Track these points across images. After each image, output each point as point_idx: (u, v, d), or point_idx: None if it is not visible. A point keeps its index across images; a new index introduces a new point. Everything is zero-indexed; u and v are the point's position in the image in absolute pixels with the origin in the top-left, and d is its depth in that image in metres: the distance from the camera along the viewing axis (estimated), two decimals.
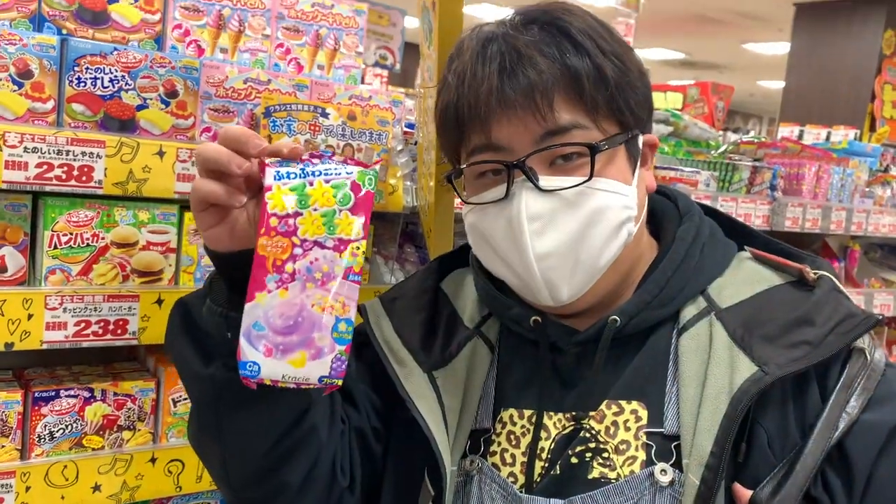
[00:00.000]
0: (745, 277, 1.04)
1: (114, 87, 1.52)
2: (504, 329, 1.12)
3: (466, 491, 1.05)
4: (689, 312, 1.01)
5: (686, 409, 0.93)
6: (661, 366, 0.99)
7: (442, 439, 1.03)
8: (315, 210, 0.91)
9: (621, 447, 0.95)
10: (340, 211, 0.91)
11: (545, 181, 0.95)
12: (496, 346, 1.11)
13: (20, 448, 1.53)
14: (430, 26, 1.61)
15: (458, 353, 1.09)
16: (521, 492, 0.99)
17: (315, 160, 0.94)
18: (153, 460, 1.64)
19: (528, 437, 1.01)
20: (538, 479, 0.99)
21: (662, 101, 5.24)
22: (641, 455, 0.94)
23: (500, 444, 1.04)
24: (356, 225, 0.91)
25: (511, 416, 1.04)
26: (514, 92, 0.93)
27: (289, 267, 0.90)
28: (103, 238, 1.55)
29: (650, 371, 0.99)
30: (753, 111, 19.30)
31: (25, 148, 1.41)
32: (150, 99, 1.57)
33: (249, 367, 0.91)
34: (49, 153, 1.44)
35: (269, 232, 0.91)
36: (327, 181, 0.92)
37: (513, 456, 1.03)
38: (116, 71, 1.52)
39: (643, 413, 0.96)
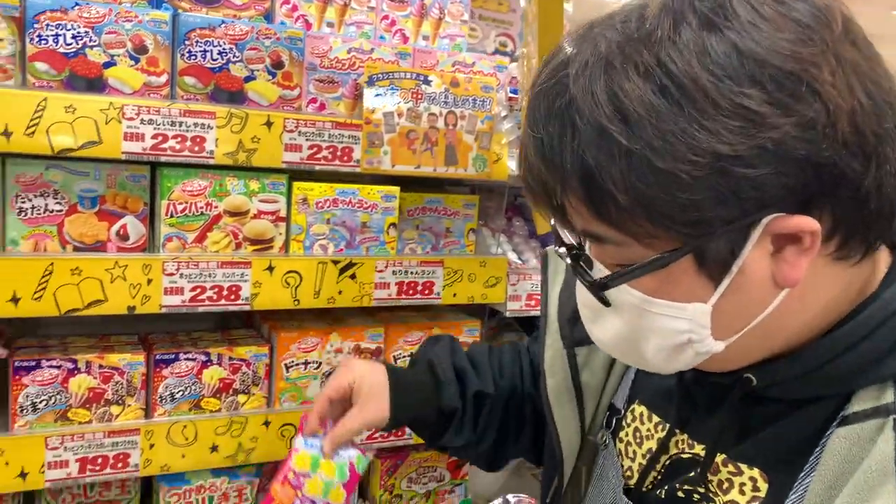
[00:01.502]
0: None
1: (222, 59, 1.57)
2: None
3: (595, 462, 1.03)
4: (861, 402, 0.76)
5: None
6: (805, 446, 0.79)
7: (562, 419, 1.03)
8: (320, 477, 1.22)
9: None
10: (336, 483, 1.22)
11: (590, 274, 0.79)
12: None
13: (144, 408, 1.61)
14: None
15: None
16: (631, 487, 0.96)
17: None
18: (267, 423, 1.69)
19: (652, 443, 0.96)
20: (645, 489, 0.95)
21: None
22: None
23: (627, 433, 1.00)
24: (344, 496, 1.22)
25: (641, 414, 0.99)
26: (534, 185, 0.78)
27: None
28: (216, 207, 1.60)
29: (788, 447, 0.81)
30: None
31: (142, 120, 1.48)
32: (258, 70, 1.61)
33: None
34: (163, 125, 1.50)
35: (284, 482, 1.24)
36: (333, 458, 1.23)
37: (635, 452, 0.99)
38: (224, 43, 1.57)
39: (763, 485, 0.82)
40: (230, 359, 1.67)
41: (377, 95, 1.69)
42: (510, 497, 2.14)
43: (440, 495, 1.98)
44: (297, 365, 1.73)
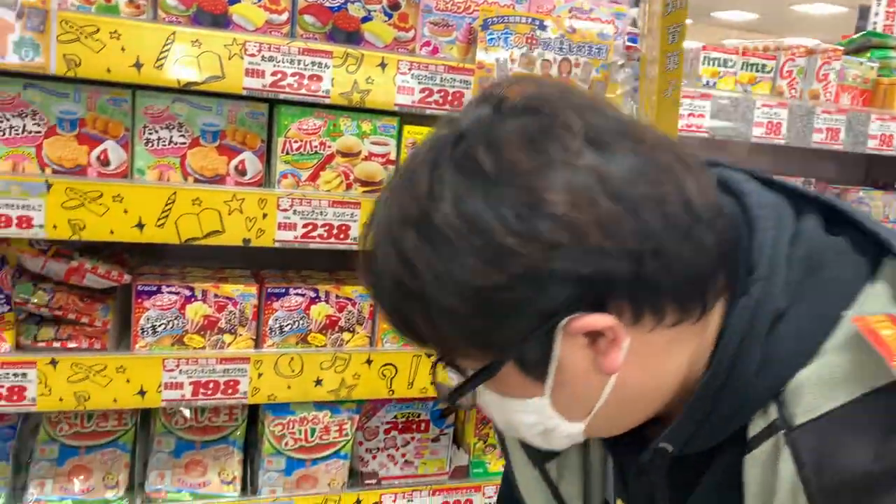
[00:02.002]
0: (840, 367, 0.73)
1: None
2: None
3: None
4: (756, 426, 0.76)
5: None
6: (735, 482, 0.79)
7: None
8: None
9: None
10: None
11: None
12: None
13: (255, 338, 1.67)
14: None
15: None
16: None
17: None
18: (369, 362, 1.72)
19: None
20: None
21: None
22: None
23: None
24: None
25: None
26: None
27: None
28: (330, 147, 1.63)
29: (721, 497, 0.81)
30: None
31: (263, 57, 1.52)
32: (374, 11, 1.62)
33: None
34: (283, 62, 1.53)
35: None
36: None
37: None
38: None
39: None
40: (337, 297, 1.70)
41: (491, 39, 1.67)
42: None
43: None
44: None
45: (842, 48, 2.19)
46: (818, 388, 0.73)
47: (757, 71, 1.93)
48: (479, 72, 1.68)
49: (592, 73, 1.76)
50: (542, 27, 1.70)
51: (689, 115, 1.84)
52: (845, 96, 2.07)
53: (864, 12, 4.27)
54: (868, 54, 2.55)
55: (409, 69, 1.63)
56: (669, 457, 0.82)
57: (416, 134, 1.69)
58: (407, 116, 1.70)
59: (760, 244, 0.76)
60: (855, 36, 2.67)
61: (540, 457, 0.98)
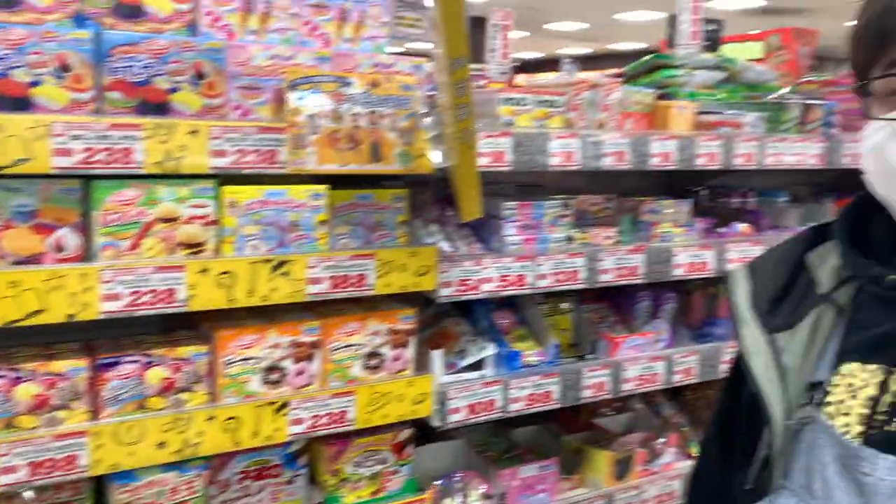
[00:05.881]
0: None
1: (146, 73, 1.64)
2: (860, 293, 1.13)
3: (798, 439, 1.08)
4: None
5: None
6: None
7: (773, 392, 1.08)
8: None
9: None
10: None
11: None
12: (845, 310, 1.13)
13: (92, 410, 1.68)
14: None
15: (805, 317, 1.13)
16: (852, 442, 1.01)
17: None
18: (211, 419, 1.77)
19: (869, 390, 1.02)
20: (874, 432, 1.00)
21: (742, 52, 5.05)
22: None
23: (836, 395, 1.06)
24: None
25: (852, 370, 1.05)
26: None
27: None
28: (149, 214, 1.67)
29: None
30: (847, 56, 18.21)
31: (70, 136, 1.55)
32: (181, 82, 1.68)
33: None
34: (92, 139, 1.57)
35: None
36: None
37: (849, 407, 1.04)
38: (147, 58, 1.63)
39: None
40: (172, 359, 1.74)
41: (300, 99, 1.77)
42: (455, 475, 2.25)
43: (385, 476, 2.08)
44: (237, 362, 1.81)
45: (620, 79, 2.44)
46: None
47: (549, 107, 2.13)
48: (290, 129, 1.77)
49: (400, 122, 1.90)
50: (347, 84, 1.82)
51: (492, 151, 2.01)
52: (629, 121, 2.32)
53: (672, 20, 4.70)
54: (657, 74, 2.85)
55: (222, 133, 1.70)
56: None
57: (235, 193, 1.76)
58: (225, 177, 1.76)
59: None
60: (644, 59, 2.96)
61: (772, 327, 1.11)
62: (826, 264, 1.16)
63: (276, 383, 1.86)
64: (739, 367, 1.18)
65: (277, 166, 1.78)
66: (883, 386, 1.01)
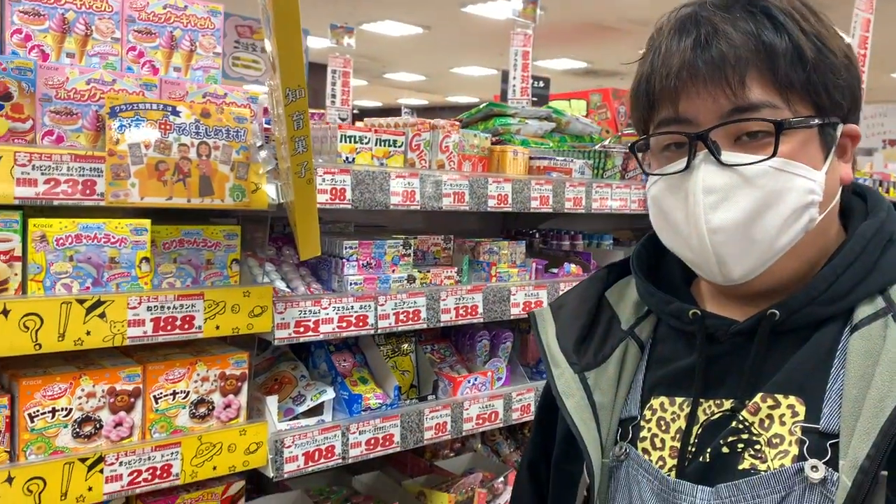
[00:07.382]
0: None
1: None
2: (659, 326, 1.16)
3: (615, 476, 1.08)
4: (864, 311, 0.97)
5: (848, 410, 0.91)
6: (824, 363, 0.96)
7: (587, 432, 1.07)
8: None
9: (774, 440, 0.95)
10: None
11: (727, 156, 0.96)
12: (646, 344, 1.15)
13: None
14: (269, 19, 1.61)
15: (612, 354, 1.14)
16: (668, 475, 1.01)
17: None
18: (10, 480, 1.56)
19: (679, 423, 1.03)
20: (686, 465, 1.01)
21: (567, 109, 5.36)
22: (794, 450, 0.93)
23: (649, 429, 1.07)
24: None
25: (662, 404, 1.07)
26: (706, 65, 0.94)
27: None
28: None
29: (812, 367, 0.97)
30: None
31: None
32: None
33: None
34: None
35: None
36: None
37: (662, 441, 1.05)
38: None
39: (800, 409, 0.95)
40: None
41: (121, 127, 1.65)
42: None
43: None
44: (43, 414, 1.62)
45: (459, 122, 2.49)
46: None
47: (389, 146, 2.12)
48: (110, 158, 1.64)
49: (233, 154, 1.81)
50: (176, 113, 1.72)
51: (332, 188, 1.96)
52: (467, 164, 2.36)
53: (505, 76, 4.91)
54: (492, 122, 2.94)
55: (29, 160, 1.54)
56: (774, 324, 0.98)
57: (43, 226, 1.60)
58: (31, 209, 1.60)
59: (878, 200, 1.06)
60: (481, 106, 3.05)
61: (582, 366, 1.11)
62: (625, 300, 1.21)
63: (89, 437, 1.68)
64: (547, 407, 1.21)
65: (95, 198, 1.63)
66: (691, 418, 1.04)
